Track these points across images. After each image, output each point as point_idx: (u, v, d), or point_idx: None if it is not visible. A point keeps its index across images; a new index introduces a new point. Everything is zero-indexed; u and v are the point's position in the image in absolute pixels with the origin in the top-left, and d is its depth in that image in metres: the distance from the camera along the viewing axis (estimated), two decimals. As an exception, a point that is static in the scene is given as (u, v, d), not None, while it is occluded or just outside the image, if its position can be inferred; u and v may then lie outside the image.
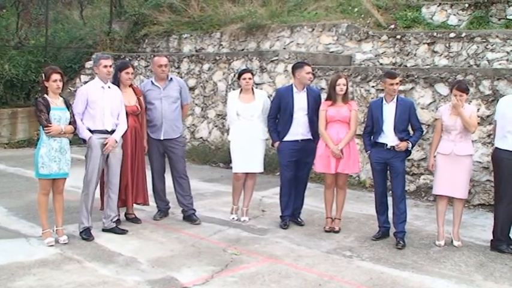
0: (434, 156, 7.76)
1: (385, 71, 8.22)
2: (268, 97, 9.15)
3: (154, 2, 18.19)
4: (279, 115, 8.42)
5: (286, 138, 8.31)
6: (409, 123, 7.78)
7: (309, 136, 8.30)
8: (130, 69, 8.26)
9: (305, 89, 8.33)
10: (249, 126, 8.48)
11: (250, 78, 8.53)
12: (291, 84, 8.48)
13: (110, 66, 7.69)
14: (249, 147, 8.45)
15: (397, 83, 7.78)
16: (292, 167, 8.38)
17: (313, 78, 8.37)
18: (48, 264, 6.58)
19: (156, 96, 8.49)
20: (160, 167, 8.72)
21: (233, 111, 8.54)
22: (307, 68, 8.33)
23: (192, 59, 14.90)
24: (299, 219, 8.53)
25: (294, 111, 8.25)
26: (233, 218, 8.71)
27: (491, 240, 7.64)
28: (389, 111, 7.73)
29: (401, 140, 7.66)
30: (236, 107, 8.50)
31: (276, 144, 8.41)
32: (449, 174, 7.54)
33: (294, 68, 8.50)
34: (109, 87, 7.74)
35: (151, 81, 8.66)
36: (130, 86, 8.37)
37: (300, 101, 8.27)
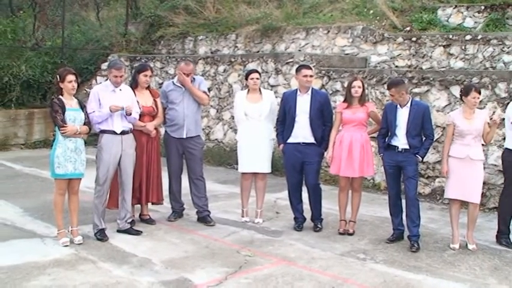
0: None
1: (389, 81, 8.19)
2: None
3: (170, 4, 18.24)
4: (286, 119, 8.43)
5: (289, 141, 8.33)
6: (422, 127, 7.75)
7: (312, 140, 8.24)
8: (148, 72, 8.36)
9: (309, 92, 8.29)
10: (256, 126, 8.52)
11: (257, 78, 8.56)
12: (297, 88, 8.48)
13: (121, 76, 7.73)
14: (256, 147, 8.49)
15: (404, 92, 7.75)
16: (297, 169, 8.37)
17: (312, 81, 8.30)
18: (62, 264, 6.62)
19: (178, 96, 8.55)
20: (178, 168, 8.75)
21: (241, 111, 8.58)
22: (305, 71, 8.26)
23: (207, 60, 14.94)
24: (318, 226, 8.46)
25: (296, 114, 8.23)
26: (245, 221, 8.72)
27: (496, 234, 8.04)
28: (403, 116, 7.71)
29: (410, 146, 7.64)
30: (244, 107, 8.54)
31: (281, 146, 8.45)
32: (463, 178, 7.53)
33: (296, 71, 8.52)
34: (120, 89, 7.78)
35: (173, 81, 8.73)
36: (148, 87, 8.45)
37: (303, 104, 8.24)
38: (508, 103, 9.16)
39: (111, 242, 7.53)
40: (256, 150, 8.51)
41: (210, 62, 14.84)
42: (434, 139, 8.44)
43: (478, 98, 7.58)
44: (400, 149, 7.70)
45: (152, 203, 8.59)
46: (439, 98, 10.58)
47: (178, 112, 8.51)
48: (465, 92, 7.64)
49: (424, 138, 7.76)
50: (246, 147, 8.58)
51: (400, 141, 7.70)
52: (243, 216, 8.79)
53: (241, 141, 8.69)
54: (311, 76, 8.30)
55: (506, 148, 7.98)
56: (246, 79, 8.70)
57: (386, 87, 7.95)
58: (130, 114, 7.67)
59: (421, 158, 7.75)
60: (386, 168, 7.93)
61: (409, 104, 7.71)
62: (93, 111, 7.55)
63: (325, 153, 8.37)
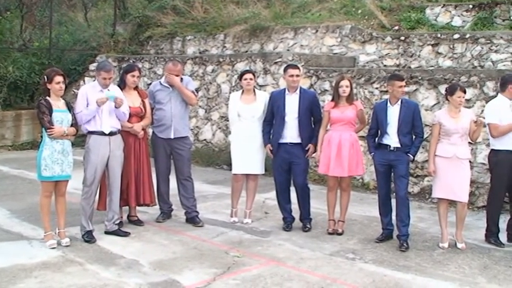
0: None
1: (391, 74, 8.25)
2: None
3: (158, 4, 18.21)
4: (274, 119, 8.39)
5: (278, 141, 8.28)
6: (412, 125, 7.75)
7: (299, 140, 8.23)
8: (136, 73, 8.30)
9: (297, 91, 8.28)
10: (249, 127, 8.48)
11: (251, 79, 8.52)
12: (285, 87, 8.46)
13: (110, 78, 7.66)
14: (249, 148, 8.45)
15: (404, 85, 7.80)
16: (285, 169, 8.36)
17: (298, 81, 8.29)
18: (49, 267, 6.57)
19: (165, 96, 8.51)
20: (165, 168, 8.71)
21: (234, 112, 8.55)
22: (291, 71, 8.24)
23: (195, 60, 14.90)
24: (306, 226, 8.42)
25: (286, 113, 8.21)
26: (234, 221, 8.69)
27: (485, 233, 8.07)
28: (393, 114, 7.70)
29: (402, 144, 7.64)
30: (237, 107, 8.50)
31: (268, 147, 8.38)
32: (451, 178, 7.54)
33: (283, 71, 8.53)
34: (108, 90, 7.72)
35: (160, 82, 8.69)
36: (136, 88, 8.39)
37: (291, 104, 8.23)
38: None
39: (98, 243, 7.48)
40: (249, 151, 8.47)
41: (199, 62, 14.81)
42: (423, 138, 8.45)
43: (464, 97, 7.60)
44: (392, 148, 7.69)
45: (145, 205, 8.53)
46: (428, 97, 10.59)
47: (165, 112, 8.47)
48: (450, 92, 7.64)
49: (414, 137, 7.76)
50: (239, 148, 8.54)
51: (392, 139, 7.69)
52: (231, 217, 8.76)
53: (234, 142, 8.65)
54: (297, 76, 8.27)
55: (492, 149, 8.03)
56: (240, 79, 8.66)
57: (387, 81, 7.94)
58: (120, 105, 7.62)
59: (412, 157, 7.74)
60: (377, 168, 7.91)
61: (399, 102, 7.71)
62: (81, 111, 7.49)
63: (314, 153, 8.33)
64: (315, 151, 8.23)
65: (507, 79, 7.96)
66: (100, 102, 7.45)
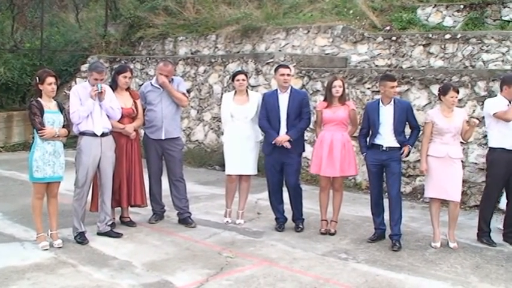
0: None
1: (383, 74, 8.26)
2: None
3: (150, 5, 18.17)
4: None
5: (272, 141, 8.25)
6: (406, 124, 7.77)
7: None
8: (128, 73, 8.28)
9: (288, 91, 8.28)
10: (243, 127, 8.46)
11: (244, 80, 8.51)
12: (277, 88, 8.45)
13: (102, 79, 7.65)
14: (242, 149, 8.44)
15: (396, 85, 7.81)
16: (277, 170, 8.35)
17: (289, 80, 8.27)
18: (42, 269, 6.55)
19: (156, 97, 8.50)
20: (157, 169, 8.70)
21: (227, 112, 8.53)
22: (282, 70, 8.25)
23: (187, 61, 14.89)
24: (299, 226, 8.43)
25: (280, 114, 8.20)
26: (227, 222, 8.69)
27: (477, 233, 8.08)
28: (387, 114, 7.70)
29: (399, 142, 7.65)
30: (230, 108, 8.49)
31: (279, 138, 8.12)
32: (443, 177, 7.54)
33: (274, 71, 8.55)
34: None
35: (151, 82, 8.69)
36: (128, 89, 8.38)
37: (283, 103, 8.23)
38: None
39: (91, 245, 7.46)
40: (242, 152, 8.46)
41: (190, 62, 14.80)
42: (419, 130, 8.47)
43: (456, 97, 7.62)
44: (384, 148, 7.70)
45: (136, 206, 8.50)
46: (419, 97, 10.61)
47: (156, 113, 8.46)
48: (443, 92, 7.65)
49: (411, 131, 7.81)
50: (232, 149, 8.53)
51: (385, 139, 7.69)
52: (225, 217, 8.76)
53: (227, 143, 8.64)
54: (288, 75, 8.26)
55: (489, 147, 8.02)
56: (233, 80, 8.64)
57: (379, 81, 7.95)
58: (103, 95, 7.58)
59: (411, 147, 7.72)
60: (369, 168, 7.91)
61: (392, 102, 7.73)
62: (77, 109, 7.46)
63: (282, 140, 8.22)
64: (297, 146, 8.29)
65: (503, 80, 7.99)
66: (93, 93, 7.45)
